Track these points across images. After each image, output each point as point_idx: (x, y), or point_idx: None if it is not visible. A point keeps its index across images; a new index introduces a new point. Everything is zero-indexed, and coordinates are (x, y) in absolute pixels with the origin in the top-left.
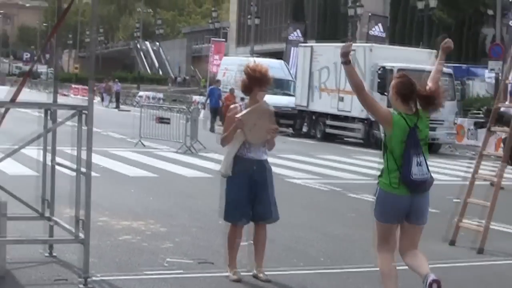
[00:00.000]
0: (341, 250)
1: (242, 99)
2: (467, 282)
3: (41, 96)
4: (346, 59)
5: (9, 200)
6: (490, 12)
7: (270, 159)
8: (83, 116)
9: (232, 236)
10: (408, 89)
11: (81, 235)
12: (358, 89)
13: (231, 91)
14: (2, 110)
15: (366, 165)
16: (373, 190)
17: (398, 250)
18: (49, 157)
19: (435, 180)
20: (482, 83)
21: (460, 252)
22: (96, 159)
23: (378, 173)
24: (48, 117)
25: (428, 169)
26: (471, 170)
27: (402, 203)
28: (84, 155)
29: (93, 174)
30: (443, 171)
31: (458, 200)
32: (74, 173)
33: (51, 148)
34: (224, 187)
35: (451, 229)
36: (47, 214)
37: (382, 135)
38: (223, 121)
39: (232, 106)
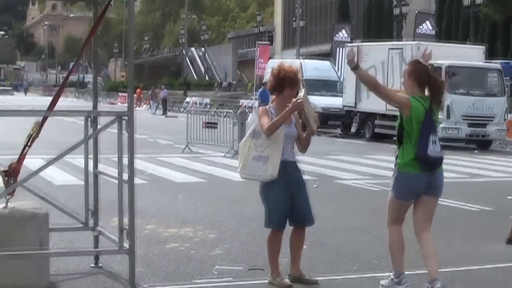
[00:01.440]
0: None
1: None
2: None
3: (88, 105)
4: (352, 65)
5: (54, 210)
6: None
7: (319, 160)
8: (124, 121)
9: (275, 242)
10: (424, 74)
11: (126, 245)
12: (372, 86)
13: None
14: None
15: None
16: None
17: (414, 228)
18: (92, 165)
19: (488, 177)
20: None
21: None
22: (142, 165)
23: None
24: (89, 124)
25: (440, 148)
26: None
27: (420, 181)
28: (126, 161)
29: (139, 181)
30: (495, 168)
31: None
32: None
33: (93, 155)
34: (261, 192)
35: (509, 228)
36: (91, 224)
37: (397, 123)
38: None
39: (261, 108)
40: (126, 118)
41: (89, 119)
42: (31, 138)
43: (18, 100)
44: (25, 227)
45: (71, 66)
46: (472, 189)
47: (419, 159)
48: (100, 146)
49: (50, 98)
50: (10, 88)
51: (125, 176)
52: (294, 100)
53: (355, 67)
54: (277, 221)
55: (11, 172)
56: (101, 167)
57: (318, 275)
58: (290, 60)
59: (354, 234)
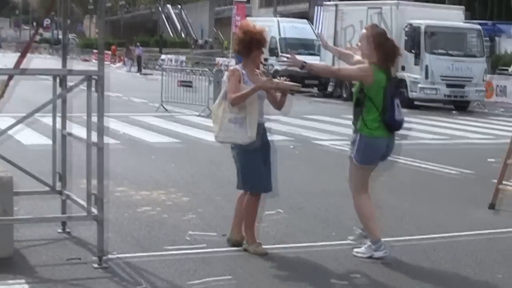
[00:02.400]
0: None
1: (266, 60)
2: (511, 249)
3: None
4: (298, 65)
5: (22, 174)
6: None
7: (296, 121)
8: (94, 82)
9: (255, 206)
10: (383, 38)
11: (95, 211)
12: (330, 74)
13: None
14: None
15: None
16: (403, 150)
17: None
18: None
19: (467, 139)
20: (509, 39)
21: (500, 217)
22: (115, 125)
23: (413, 133)
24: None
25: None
26: (505, 128)
27: (385, 144)
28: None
29: (112, 141)
30: (474, 129)
31: (494, 161)
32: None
33: (62, 116)
34: (237, 156)
35: (490, 193)
36: (59, 187)
37: (354, 89)
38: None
39: (232, 68)
40: (96, 78)
41: (58, 79)
42: None
43: None
44: None
45: (45, 22)
46: (451, 151)
47: (386, 123)
48: (74, 105)
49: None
50: None
51: (95, 139)
52: (265, 78)
53: (301, 66)
54: (263, 185)
55: None
56: (74, 128)
57: (295, 243)
58: (267, 19)
59: (333, 198)
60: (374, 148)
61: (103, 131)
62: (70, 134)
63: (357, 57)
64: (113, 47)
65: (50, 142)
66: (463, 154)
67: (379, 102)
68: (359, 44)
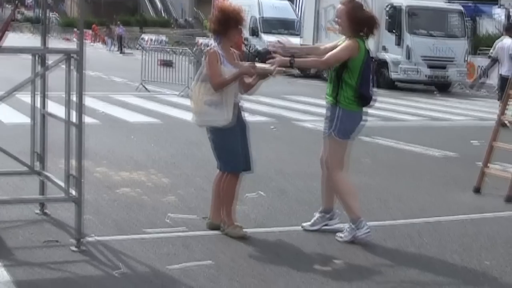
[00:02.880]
0: (359, 200)
1: (246, 39)
2: (498, 235)
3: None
4: (287, 64)
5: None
6: None
7: (277, 101)
8: (73, 60)
9: (234, 187)
10: (362, 12)
11: (73, 192)
12: (323, 64)
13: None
14: None
15: (377, 106)
16: (388, 132)
17: (322, 161)
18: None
19: (450, 121)
20: (490, 20)
21: (486, 201)
22: (96, 104)
23: (395, 114)
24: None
25: None
26: (488, 110)
27: (360, 118)
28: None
29: (92, 120)
30: (456, 111)
31: (477, 143)
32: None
33: (41, 95)
34: (214, 137)
35: (474, 175)
36: (38, 168)
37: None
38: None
39: (210, 52)
40: (75, 56)
41: (37, 57)
42: None
43: None
44: None
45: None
46: (434, 133)
47: (362, 97)
48: (54, 84)
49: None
50: None
51: (74, 119)
52: (247, 63)
53: (290, 65)
54: (242, 165)
55: None
56: (53, 106)
57: (278, 225)
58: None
59: (315, 181)
60: (354, 121)
61: (82, 110)
62: (49, 114)
63: (325, 45)
64: (93, 25)
65: (29, 120)
66: (445, 136)
67: (357, 75)
68: (337, 19)
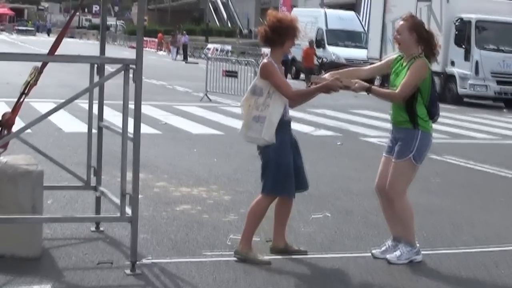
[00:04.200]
0: (429, 224)
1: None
2: None
3: (109, 47)
4: (364, 88)
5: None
6: None
7: (342, 115)
8: (133, 70)
9: (265, 211)
10: (424, 29)
11: (129, 212)
12: (397, 99)
13: (311, 43)
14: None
15: (445, 122)
16: (457, 150)
17: (381, 188)
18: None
19: None
20: None
21: None
22: (158, 114)
23: (464, 131)
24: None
25: None
26: None
27: (432, 138)
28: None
29: (153, 131)
30: None
31: None
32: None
33: (98, 107)
34: (264, 154)
35: None
36: (94, 183)
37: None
38: (307, 77)
39: (267, 62)
40: (133, 67)
41: (96, 66)
42: (29, 85)
43: (39, 41)
44: (17, 185)
45: (94, 9)
46: (506, 152)
47: (432, 116)
48: (115, 92)
49: (71, 40)
50: (33, 28)
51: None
52: (331, 78)
53: (368, 89)
54: (289, 188)
55: (5, 123)
56: (112, 116)
57: (344, 251)
58: (314, 10)
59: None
60: (429, 142)
61: (139, 125)
62: (106, 126)
63: (368, 66)
64: (159, 34)
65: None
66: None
67: (427, 95)
68: (398, 36)
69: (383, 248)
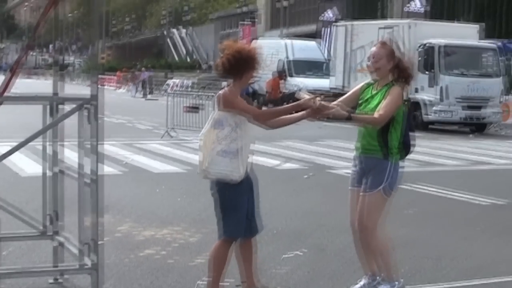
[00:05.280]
0: (408, 258)
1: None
2: None
3: (68, 87)
4: (345, 116)
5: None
6: None
7: (309, 147)
8: (88, 109)
9: (226, 256)
10: (402, 56)
11: (90, 262)
12: (376, 123)
13: (279, 74)
14: None
15: (415, 150)
16: (429, 178)
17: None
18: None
19: (492, 165)
20: None
21: None
22: (119, 152)
23: (434, 158)
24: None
25: None
26: None
27: (402, 168)
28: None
29: (114, 171)
30: (496, 154)
31: None
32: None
33: (53, 150)
34: (221, 193)
35: None
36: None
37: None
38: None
39: (227, 91)
40: (88, 106)
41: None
42: None
43: None
44: None
45: (50, 48)
46: (478, 178)
47: (406, 147)
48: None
49: (28, 80)
50: None
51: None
52: (312, 102)
53: (350, 117)
54: (240, 230)
55: None
56: (71, 156)
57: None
58: (275, 40)
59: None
60: (400, 174)
61: (97, 168)
62: (61, 171)
63: (335, 102)
64: (119, 71)
65: (49, 172)
66: (490, 182)
67: (401, 124)
68: (374, 62)
69: (359, 285)
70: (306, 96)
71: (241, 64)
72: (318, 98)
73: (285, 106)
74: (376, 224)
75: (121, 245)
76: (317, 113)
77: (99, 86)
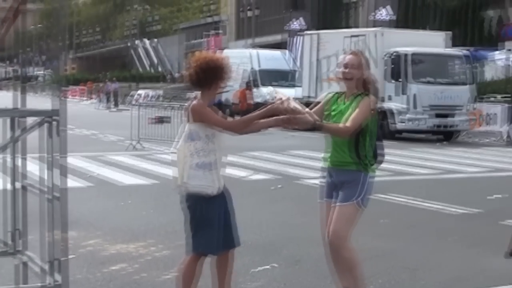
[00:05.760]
0: (384, 269)
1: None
2: None
3: (36, 100)
4: (311, 123)
5: None
6: None
7: (278, 157)
8: (53, 124)
9: (194, 272)
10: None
11: (53, 281)
12: (344, 134)
13: (248, 84)
14: None
15: (386, 159)
16: (400, 188)
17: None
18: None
19: (463, 173)
20: (491, 66)
21: None
22: (87, 165)
23: (406, 167)
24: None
25: None
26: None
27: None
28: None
29: (82, 185)
30: (467, 162)
31: (497, 197)
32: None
33: (12, 166)
34: (193, 208)
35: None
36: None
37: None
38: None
39: (197, 103)
40: (49, 120)
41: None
42: None
43: None
44: None
45: (19, 60)
46: (450, 187)
47: (379, 161)
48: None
49: None
50: None
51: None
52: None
53: (318, 126)
54: (216, 244)
55: None
56: (34, 170)
57: None
58: (243, 50)
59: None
60: (373, 185)
61: (65, 182)
62: (24, 188)
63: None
64: (88, 82)
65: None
66: (462, 190)
67: (371, 135)
68: (351, 71)
69: None
70: (281, 95)
71: (209, 75)
72: (291, 100)
73: (257, 112)
74: (349, 235)
75: (88, 261)
76: (287, 122)
77: (62, 98)
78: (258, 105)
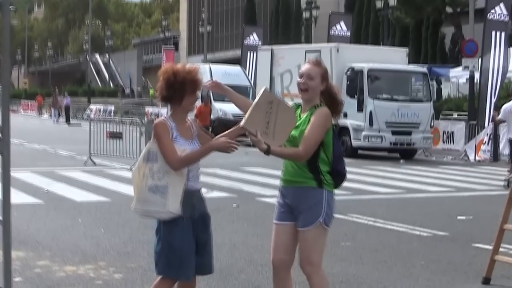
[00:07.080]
0: None
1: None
2: None
3: None
4: (264, 148)
5: None
6: (449, 10)
7: (235, 174)
8: None
9: None
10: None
11: None
12: (300, 158)
13: (205, 100)
14: None
15: (348, 177)
16: (362, 207)
17: (279, 263)
18: None
19: (426, 192)
20: (447, 83)
21: None
22: (39, 181)
23: (366, 186)
24: None
25: None
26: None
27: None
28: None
29: (34, 201)
30: (429, 181)
31: (464, 218)
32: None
33: None
34: (158, 229)
35: (475, 259)
36: None
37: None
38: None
39: (158, 122)
40: None
41: None
42: None
43: None
44: None
45: None
46: (413, 207)
47: (338, 175)
48: None
49: None
50: None
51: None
52: (223, 139)
53: (267, 151)
54: (185, 269)
55: None
56: None
57: None
58: (200, 65)
59: (297, 270)
60: (334, 204)
61: (9, 205)
62: None
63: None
64: (39, 97)
65: None
66: (427, 211)
67: (331, 150)
68: (309, 81)
69: None
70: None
71: (177, 88)
72: (267, 89)
73: (201, 149)
74: (321, 260)
75: (40, 282)
76: (230, 146)
77: (22, 112)
78: (219, 121)
